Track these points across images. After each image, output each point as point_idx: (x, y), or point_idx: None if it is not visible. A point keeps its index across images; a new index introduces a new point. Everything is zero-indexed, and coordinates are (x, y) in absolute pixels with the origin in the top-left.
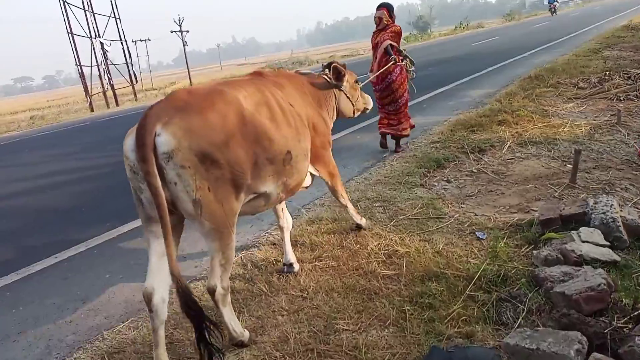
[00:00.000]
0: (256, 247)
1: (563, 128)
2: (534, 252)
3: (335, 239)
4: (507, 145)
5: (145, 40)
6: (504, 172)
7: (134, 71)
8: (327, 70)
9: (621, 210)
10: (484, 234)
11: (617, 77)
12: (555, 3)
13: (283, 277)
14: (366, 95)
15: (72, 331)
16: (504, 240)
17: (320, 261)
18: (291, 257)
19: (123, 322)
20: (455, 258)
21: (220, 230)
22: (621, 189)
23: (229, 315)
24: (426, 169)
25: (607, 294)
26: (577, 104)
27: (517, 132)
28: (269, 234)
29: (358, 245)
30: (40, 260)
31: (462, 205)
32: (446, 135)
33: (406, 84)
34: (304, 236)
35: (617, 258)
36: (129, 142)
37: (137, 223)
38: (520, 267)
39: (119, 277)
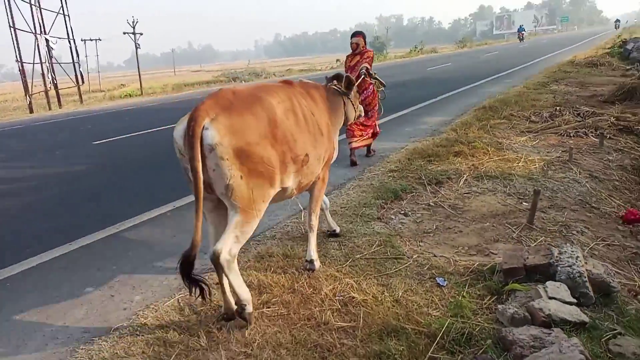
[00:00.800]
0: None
1: (517, 163)
2: (499, 307)
3: (286, 280)
4: (464, 179)
5: (96, 39)
6: (461, 207)
7: (80, 71)
8: (335, 81)
9: (586, 263)
10: (444, 280)
11: (567, 113)
12: (523, 32)
13: (225, 327)
14: (359, 105)
15: None
16: (466, 289)
17: (269, 308)
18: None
19: None
20: (416, 309)
21: (246, 210)
22: (577, 232)
23: (234, 279)
24: (383, 200)
25: None
26: (530, 137)
27: (473, 165)
28: (213, 271)
29: (311, 289)
30: None
31: (420, 244)
32: (403, 164)
33: (376, 99)
34: (251, 275)
35: (586, 319)
36: (180, 129)
37: (65, 249)
38: (486, 324)
39: (33, 318)
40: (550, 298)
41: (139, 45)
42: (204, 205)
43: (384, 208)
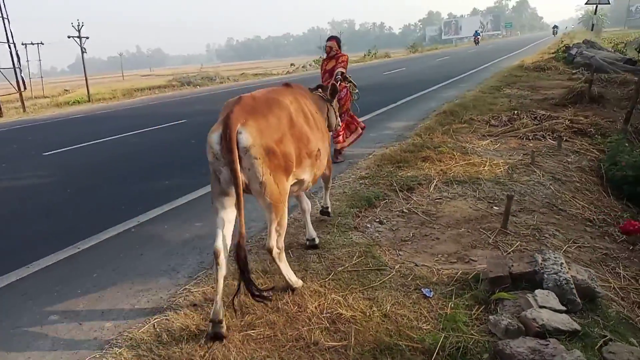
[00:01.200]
0: (173, 310)
1: (483, 167)
2: (491, 317)
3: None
4: (434, 184)
5: (38, 43)
6: (434, 213)
7: (22, 77)
8: (320, 90)
9: (569, 269)
10: (430, 291)
11: (525, 116)
12: (479, 36)
13: (208, 353)
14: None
15: None
16: (453, 300)
17: (253, 329)
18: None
19: None
20: (406, 323)
21: (277, 205)
22: (549, 235)
23: (284, 268)
24: (357, 209)
25: None
26: (491, 141)
27: (441, 170)
28: (189, 291)
29: (296, 308)
30: None
31: (400, 253)
32: (373, 171)
33: (349, 102)
34: (231, 294)
35: (578, 327)
36: (215, 136)
37: (22, 273)
38: (480, 337)
39: None
40: (541, 307)
41: (85, 49)
42: (219, 202)
43: (359, 217)
